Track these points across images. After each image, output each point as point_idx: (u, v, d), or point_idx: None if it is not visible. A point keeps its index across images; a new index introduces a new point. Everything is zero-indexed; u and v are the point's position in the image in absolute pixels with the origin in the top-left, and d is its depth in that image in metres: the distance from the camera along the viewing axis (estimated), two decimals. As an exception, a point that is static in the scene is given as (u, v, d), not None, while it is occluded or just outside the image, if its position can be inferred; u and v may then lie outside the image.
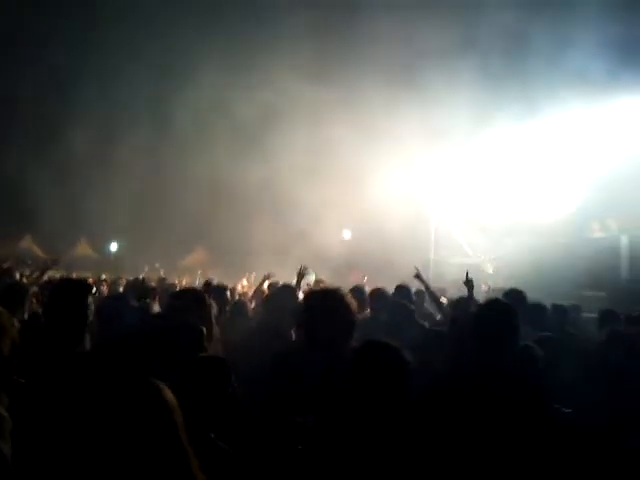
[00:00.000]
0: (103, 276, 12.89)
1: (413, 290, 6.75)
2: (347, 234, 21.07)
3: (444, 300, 6.84)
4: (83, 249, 26.39)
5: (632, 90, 12.46)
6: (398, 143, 14.87)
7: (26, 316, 4.87)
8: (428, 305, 7.05)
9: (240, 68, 16.80)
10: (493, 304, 3.88)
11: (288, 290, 5.64)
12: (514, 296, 5.30)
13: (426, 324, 5.62)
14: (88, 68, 20.28)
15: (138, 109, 19.14)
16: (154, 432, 2.05)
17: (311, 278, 9.56)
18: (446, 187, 17.15)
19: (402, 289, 6.45)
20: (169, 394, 2.15)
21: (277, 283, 7.44)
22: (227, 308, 5.88)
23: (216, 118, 17.34)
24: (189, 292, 4.71)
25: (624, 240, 12.12)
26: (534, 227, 14.30)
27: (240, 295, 8.58)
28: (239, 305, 6.38)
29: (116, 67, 19.29)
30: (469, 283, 5.70)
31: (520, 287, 5.72)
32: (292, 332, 4.90)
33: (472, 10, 13.85)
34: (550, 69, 12.94)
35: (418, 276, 6.62)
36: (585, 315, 7.34)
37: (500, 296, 4.94)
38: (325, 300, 3.54)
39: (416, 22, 13.77)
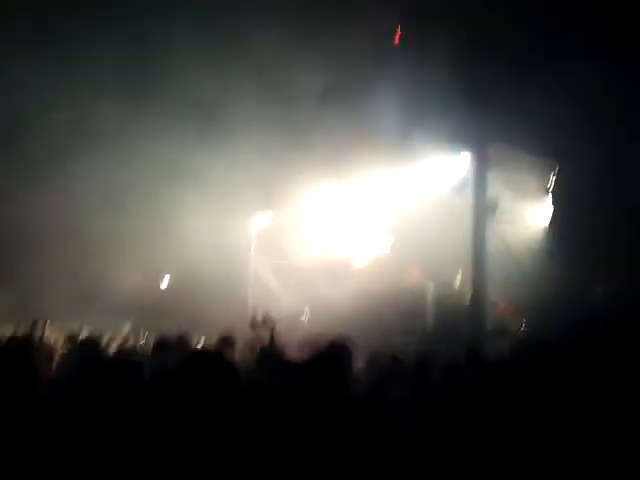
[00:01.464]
0: None
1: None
2: (166, 280, 20.20)
3: None
4: None
5: (428, 149, 13.13)
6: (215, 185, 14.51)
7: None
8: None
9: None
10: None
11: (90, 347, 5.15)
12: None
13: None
14: None
15: None
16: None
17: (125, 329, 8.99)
18: (265, 232, 17.25)
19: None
20: None
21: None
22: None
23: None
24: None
25: (430, 288, 12.82)
26: (349, 275, 14.72)
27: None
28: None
29: None
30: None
31: (334, 332, 5.69)
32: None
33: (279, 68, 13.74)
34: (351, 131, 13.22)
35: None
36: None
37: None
38: None
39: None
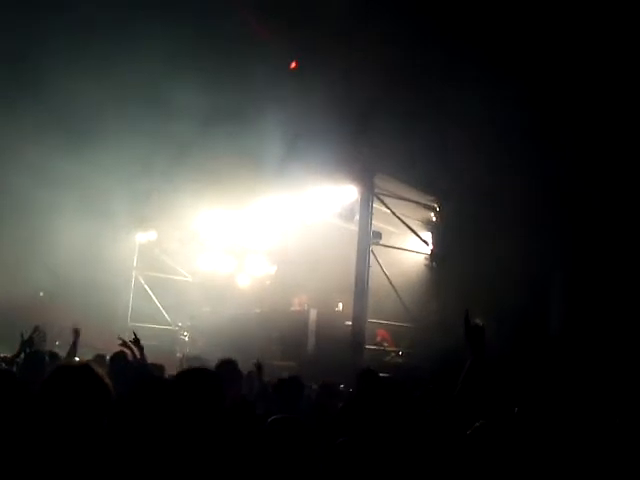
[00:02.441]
0: None
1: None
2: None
3: None
4: None
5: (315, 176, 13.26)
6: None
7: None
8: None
9: None
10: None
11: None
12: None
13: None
14: None
15: None
16: None
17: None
18: (149, 248, 16.88)
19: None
20: None
21: None
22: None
23: None
24: None
25: (313, 314, 12.94)
26: (232, 297, 14.65)
27: None
28: None
29: None
30: None
31: (215, 355, 5.73)
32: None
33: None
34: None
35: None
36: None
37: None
38: None
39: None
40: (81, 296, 14.78)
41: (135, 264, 17.36)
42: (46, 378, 2.80)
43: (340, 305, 13.32)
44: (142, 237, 17.25)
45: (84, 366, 2.89)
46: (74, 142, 13.50)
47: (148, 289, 16.87)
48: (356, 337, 11.72)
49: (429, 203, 13.10)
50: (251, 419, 4.49)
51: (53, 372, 2.83)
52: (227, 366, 5.28)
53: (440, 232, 12.98)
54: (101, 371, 2.87)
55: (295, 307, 13.90)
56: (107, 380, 2.89)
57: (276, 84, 13.22)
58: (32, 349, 6.62)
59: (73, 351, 7.24)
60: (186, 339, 14.10)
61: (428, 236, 13.13)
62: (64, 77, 12.76)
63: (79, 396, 2.70)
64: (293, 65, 14.56)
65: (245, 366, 6.66)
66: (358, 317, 11.79)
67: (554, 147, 10.45)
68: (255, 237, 15.27)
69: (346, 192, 12.65)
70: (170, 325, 15.95)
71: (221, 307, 14.45)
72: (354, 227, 12.33)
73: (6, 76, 13.48)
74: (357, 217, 12.33)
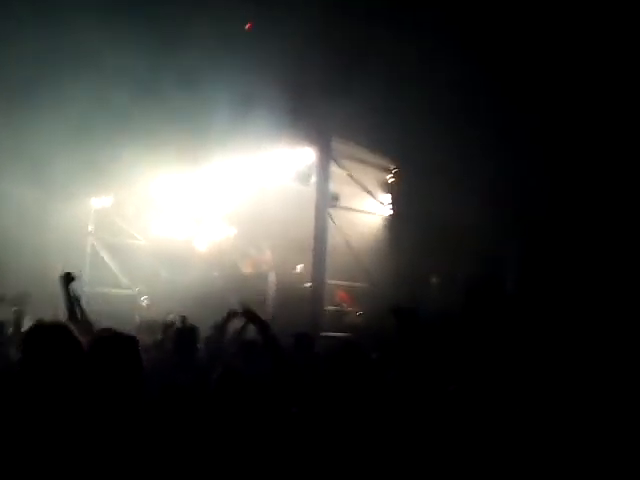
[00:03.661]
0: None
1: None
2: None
3: None
4: None
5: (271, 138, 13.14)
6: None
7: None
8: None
9: None
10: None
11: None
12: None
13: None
14: None
15: None
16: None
17: None
18: (104, 214, 16.63)
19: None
20: None
21: None
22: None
23: None
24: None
25: (272, 276, 12.97)
26: (191, 262, 14.56)
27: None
28: None
29: None
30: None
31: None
32: None
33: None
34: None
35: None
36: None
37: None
38: None
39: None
40: (32, 262, 14.53)
41: (91, 230, 17.08)
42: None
43: (299, 267, 13.36)
44: (97, 203, 16.96)
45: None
46: (16, 109, 13.17)
47: (104, 254, 16.64)
48: (315, 298, 11.81)
49: (387, 165, 13.14)
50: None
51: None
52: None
53: (398, 194, 13.05)
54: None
55: (253, 270, 13.89)
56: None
57: (231, 45, 12.98)
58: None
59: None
60: (144, 304, 14.01)
61: (386, 198, 13.20)
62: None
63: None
64: (248, 26, 14.32)
65: (205, 329, 6.70)
66: (317, 279, 11.86)
67: (515, 111, 10.51)
68: (212, 201, 15.12)
69: (302, 154, 12.60)
70: (128, 289, 15.80)
71: (179, 271, 14.36)
72: (311, 190, 12.30)
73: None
74: (314, 179, 12.30)
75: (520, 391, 4.58)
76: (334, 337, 10.41)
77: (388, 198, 13.21)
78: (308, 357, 6.34)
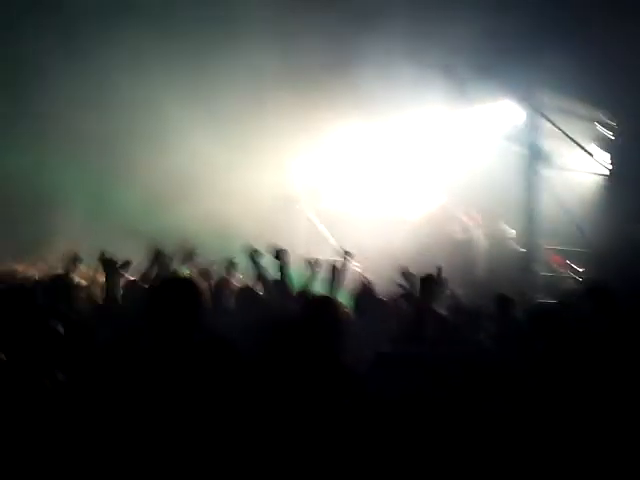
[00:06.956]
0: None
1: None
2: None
3: None
4: None
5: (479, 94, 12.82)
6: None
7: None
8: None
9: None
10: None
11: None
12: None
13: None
14: None
15: None
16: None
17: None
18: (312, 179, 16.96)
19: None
20: None
21: None
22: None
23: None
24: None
25: (481, 238, 12.77)
26: (398, 226, 14.65)
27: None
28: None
29: None
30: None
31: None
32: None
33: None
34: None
35: None
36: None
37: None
38: None
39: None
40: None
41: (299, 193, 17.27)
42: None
43: (510, 231, 13.02)
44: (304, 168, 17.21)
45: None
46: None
47: (314, 219, 16.85)
48: (528, 261, 11.55)
49: (605, 120, 12.32)
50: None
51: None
52: None
53: (619, 151, 12.20)
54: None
55: (464, 235, 13.70)
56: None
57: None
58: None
59: None
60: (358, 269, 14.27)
61: (603, 156, 12.41)
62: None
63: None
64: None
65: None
66: (530, 242, 11.57)
67: None
68: (418, 160, 14.94)
69: (513, 110, 12.17)
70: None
71: (388, 236, 14.45)
72: (520, 149, 11.89)
73: None
74: (524, 136, 11.89)
75: None
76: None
77: (606, 156, 12.40)
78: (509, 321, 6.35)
